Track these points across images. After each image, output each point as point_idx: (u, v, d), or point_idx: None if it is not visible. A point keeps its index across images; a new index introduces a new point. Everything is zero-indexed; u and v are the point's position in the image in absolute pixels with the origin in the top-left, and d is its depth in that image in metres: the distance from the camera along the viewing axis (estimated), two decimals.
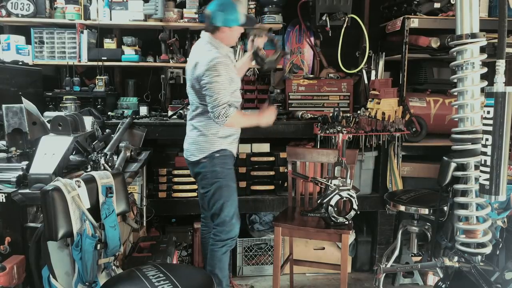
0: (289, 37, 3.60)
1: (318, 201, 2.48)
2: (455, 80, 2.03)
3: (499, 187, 1.78)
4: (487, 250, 1.98)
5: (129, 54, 3.26)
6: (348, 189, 2.41)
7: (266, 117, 2.40)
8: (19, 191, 1.64)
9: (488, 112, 1.78)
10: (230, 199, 2.38)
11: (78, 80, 3.17)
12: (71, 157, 2.02)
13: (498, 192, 1.78)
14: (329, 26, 3.12)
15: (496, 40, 1.84)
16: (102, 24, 3.22)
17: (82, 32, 3.19)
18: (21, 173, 1.72)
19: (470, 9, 1.93)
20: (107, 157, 2.04)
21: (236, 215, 2.41)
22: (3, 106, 2.05)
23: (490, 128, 1.77)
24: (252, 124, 2.40)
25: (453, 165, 2.04)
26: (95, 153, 2.03)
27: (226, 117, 2.22)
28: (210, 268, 2.40)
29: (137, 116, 3.13)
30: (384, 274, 2.60)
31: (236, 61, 2.65)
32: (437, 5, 3.04)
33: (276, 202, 3.12)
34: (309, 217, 2.50)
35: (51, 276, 1.55)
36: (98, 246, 1.56)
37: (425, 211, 2.48)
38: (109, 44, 3.31)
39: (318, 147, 2.94)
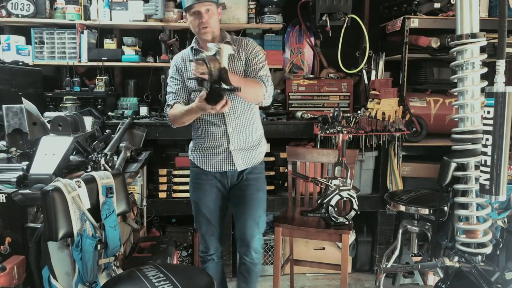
0: (289, 37, 3.60)
1: (318, 201, 2.47)
2: (455, 80, 2.03)
3: (499, 187, 1.78)
4: (488, 250, 1.97)
5: (129, 54, 3.26)
6: (348, 189, 2.41)
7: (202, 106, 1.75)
8: (20, 191, 1.65)
9: (488, 112, 1.77)
10: (194, 215, 2.25)
11: (78, 80, 3.17)
12: (71, 157, 2.02)
13: (498, 192, 1.78)
14: (329, 26, 3.12)
15: (496, 40, 1.84)
16: (102, 25, 3.22)
17: (82, 33, 3.19)
18: (21, 173, 1.73)
19: (470, 9, 1.93)
20: (107, 157, 2.04)
21: (205, 233, 2.21)
22: (4, 106, 2.05)
23: (490, 128, 1.77)
24: (191, 113, 1.93)
25: (453, 165, 2.03)
26: (95, 153, 2.03)
27: (167, 117, 2.12)
28: None
29: (137, 116, 3.13)
30: (385, 274, 2.60)
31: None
32: (437, 5, 3.05)
33: (276, 202, 3.12)
34: (309, 217, 2.50)
35: (51, 276, 1.55)
36: (99, 246, 1.56)
37: (425, 211, 2.48)
38: (109, 44, 3.31)
39: (318, 147, 2.94)
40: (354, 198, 2.41)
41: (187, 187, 3.07)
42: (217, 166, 2.14)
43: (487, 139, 1.78)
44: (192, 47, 2.15)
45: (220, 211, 2.22)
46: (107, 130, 2.65)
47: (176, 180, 3.10)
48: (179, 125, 2.09)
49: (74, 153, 2.08)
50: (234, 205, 2.25)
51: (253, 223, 2.19)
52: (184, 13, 2.10)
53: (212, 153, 2.13)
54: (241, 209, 2.20)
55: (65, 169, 1.89)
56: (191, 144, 2.25)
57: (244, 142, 2.14)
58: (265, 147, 2.30)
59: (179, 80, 2.14)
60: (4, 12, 3.11)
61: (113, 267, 1.68)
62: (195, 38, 2.17)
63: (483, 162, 1.81)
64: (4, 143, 2.10)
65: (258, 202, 2.21)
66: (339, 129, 2.75)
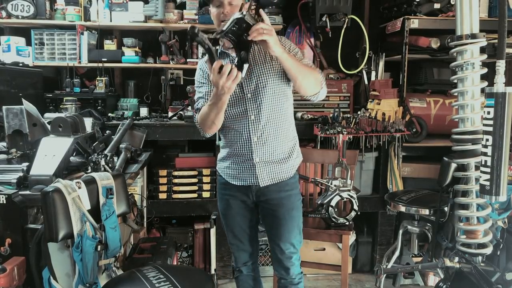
0: (289, 38, 3.59)
1: (319, 202, 2.48)
2: (455, 81, 2.03)
3: (500, 188, 1.78)
4: (488, 250, 1.97)
5: (129, 55, 3.26)
6: (349, 190, 2.42)
7: (216, 83, 1.57)
8: (20, 192, 1.64)
9: (488, 113, 1.77)
10: (222, 224, 2.13)
11: (79, 81, 3.17)
12: (72, 158, 2.02)
13: (498, 192, 1.78)
14: (329, 27, 3.13)
15: (496, 41, 1.84)
16: (102, 26, 3.22)
17: (82, 34, 3.20)
18: (21, 174, 1.72)
19: (470, 9, 1.93)
20: (108, 158, 2.04)
21: (232, 246, 2.11)
22: (4, 107, 2.05)
23: (490, 129, 1.77)
24: (213, 105, 1.71)
25: (453, 165, 2.03)
26: (96, 154, 2.03)
27: (196, 123, 1.90)
28: None
29: (137, 117, 3.14)
30: (385, 275, 2.60)
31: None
32: (437, 5, 3.05)
33: None
34: (309, 217, 2.50)
35: (51, 277, 1.55)
36: (99, 247, 1.56)
37: (426, 211, 2.48)
38: (109, 45, 3.31)
39: (319, 147, 2.94)
40: (354, 198, 2.41)
41: (187, 188, 3.11)
42: (240, 179, 1.94)
43: (487, 140, 1.78)
44: (217, 49, 1.81)
45: (247, 226, 2.04)
46: (107, 131, 2.65)
47: (176, 181, 3.10)
48: (209, 127, 1.84)
49: (74, 154, 2.08)
50: (265, 225, 2.05)
51: (289, 245, 1.99)
52: (208, 7, 1.89)
53: (235, 164, 1.94)
54: (274, 230, 1.99)
55: (65, 170, 1.89)
56: (219, 154, 2.07)
57: (271, 154, 1.90)
58: (299, 159, 2.03)
59: (206, 84, 1.92)
60: (4, 13, 3.11)
61: (113, 268, 1.68)
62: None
63: (483, 163, 1.80)
64: (4, 144, 2.10)
65: (292, 223, 1.97)
66: (339, 130, 2.75)
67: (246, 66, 1.57)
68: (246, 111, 1.85)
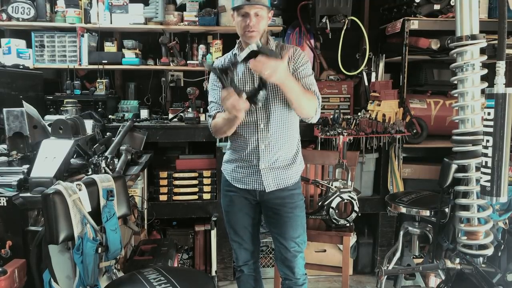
0: (289, 39, 3.60)
1: (319, 203, 2.48)
2: (456, 82, 2.03)
3: (500, 189, 1.77)
4: (489, 251, 1.97)
5: (130, 57, 3.27)
6: (349, 191, 2.41)
7: (228, 105, 1.65)
8: (20, 194, 1.65)
9: (489, 114, 1.77)
10: (224, 222, 2.15)
11: (79, 83, 3.18)
12: (72, 160, 2.02)
13: (499, 193, 1.78)
14: (329, 28, 3.13)
15: (496, 42, 1.84)
16: (103, 28, 3.23)
17: (82, 36, 3.20)
18: (22, 176, 1.73)
19: (470, 10, 1.93)
20: (108, 160, 2.04)
21: (233, 244, 2.12)
22: (4, 110, 2.06)
23: (490, 130, 1.77)
24: (226, 118, 1.80)
25: (454, 166, 2.03)
26: (96, 156, 2.03)
27: (210, 128, 1.98)
28: None
29: (138, 119, 3.14)
30: (386, 276, 2.60)
31: None
32: (437, 6, 3.05)
33: None
34: (310, 219, 2.49)
35: (52, 279, 1.55)
36: (99, 249, 1.56)
37: (426, 212, 2.47)
38: (110, 47, 3.32)
39: (319, 149, 2.94)
40: (355, 200, 2.41)
41: (187, 190, 3.11)
42: (245, 183, 1.98)
43: (487, 141, 1.78)
44: (235, 53, 1.97)
45: (249, 224, 2.07)
46: (108, 133, 2.65)
47: (176, 182, 3.10)
48: (222, 135, 1.96)
49: (74, 156, 2.08)
50: (269, 224, 2.07)
51: (294, 243, 2.01)
52: (232, 12, 1.92)
53: (241, 168, 1.99)
54: (278, 229, 2.01)
55: (66, 172, 1.89)
56: (225, 155, 2.12)
57: (276, 161, 1.96)
58: (302, 166, 2.08)
59: (218, 88, 1.94)
60: (4, 16, 3.12)
61: (114, 270, 1.68)
62: (238, 42, 1.99)
63: (483, 164, 1.80)
64: (5, 146, 2.10)
65: (296, 221, 2.00)
66: (339, 131, 2.75)
67: (262, 93, 1.69)
68: (256, 120, 1.90)
